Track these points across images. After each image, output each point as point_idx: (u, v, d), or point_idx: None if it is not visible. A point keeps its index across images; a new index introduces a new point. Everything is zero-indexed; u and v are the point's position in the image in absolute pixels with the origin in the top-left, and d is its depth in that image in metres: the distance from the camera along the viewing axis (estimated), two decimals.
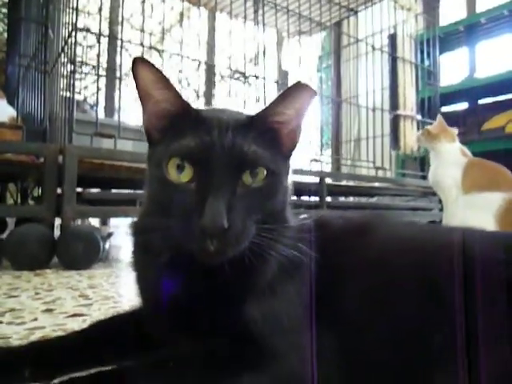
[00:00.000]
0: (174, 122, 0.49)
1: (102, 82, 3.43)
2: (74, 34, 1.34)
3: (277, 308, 0.50)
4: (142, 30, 1.88)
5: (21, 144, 1.35)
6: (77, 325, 0.75)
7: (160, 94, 0.49)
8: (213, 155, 0.44)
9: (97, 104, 1.60)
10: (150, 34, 2.76)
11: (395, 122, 2.49)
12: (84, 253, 1.35)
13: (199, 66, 3.21)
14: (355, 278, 0.53)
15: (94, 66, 3.02)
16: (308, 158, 2.12)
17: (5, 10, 3.02)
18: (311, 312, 0.51)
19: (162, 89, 0.48)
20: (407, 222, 0.65)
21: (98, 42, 1.42)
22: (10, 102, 1.75)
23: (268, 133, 0.50)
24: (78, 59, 2.40)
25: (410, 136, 2.48)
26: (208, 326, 0.48)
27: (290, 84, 0.50)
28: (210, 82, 3.88)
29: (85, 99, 3.53)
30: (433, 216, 2.63)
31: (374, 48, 2.40)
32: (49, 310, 0.85)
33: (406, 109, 2.49)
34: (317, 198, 2.09)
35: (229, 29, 2.82)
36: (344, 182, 2.37)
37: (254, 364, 0.46)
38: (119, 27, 1.86)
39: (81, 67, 2.64)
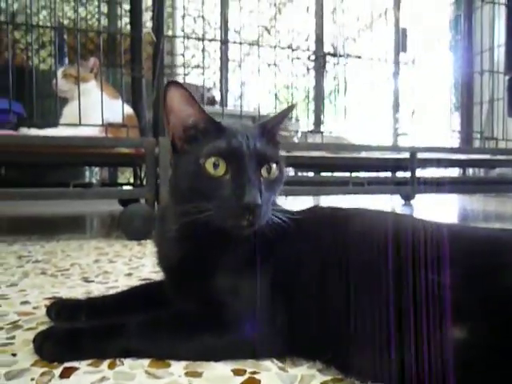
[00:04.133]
0: (201, 132, 0.62)
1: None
2: (162, 40, 1.58)
3: (247, 282, 0.61)
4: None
5: (126, 139, 1.66)
6: None
7: (188, 111, 0.62)
8: (243, 154, 0.59)
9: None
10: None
11: None
12: None
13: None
14: (315, 260, 0.61)
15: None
16: (395, 133, 2.03)
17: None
18: (275, 291, 0.61)
19: (189, 105, 0.61)
20: (390, 216, 0.67)
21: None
22: None
23: (271, 138, 0.66)
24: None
25: None
26: (194, 292, 0.62)
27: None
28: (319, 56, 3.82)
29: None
30: None
31: (483, 0, 2.09)
32: (129, 274, 1.10)
33: None
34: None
35: None
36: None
37: (215, 328, 0.59)
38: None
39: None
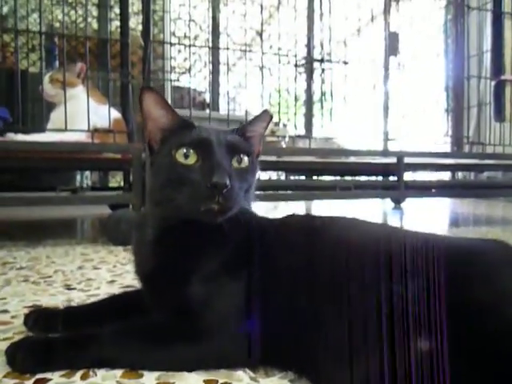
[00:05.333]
0: (174, 132, 0.65)
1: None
2: (149, 45, 1.58)
3: (220, 291, 0.61)
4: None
5: (113, 145, 1.66)
6: None
7: (163, 114, 0.65)
8: (212, 143, 0.61)
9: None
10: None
11: (499, 89, 2.18)
12: None
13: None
14: (288, 269, 0.61)
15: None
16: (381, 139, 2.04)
17: None
18: (248, 300, 0.61)
19: (163, 109, 0.65)
20: (368, 225, 0.68)
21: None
22: None
23: (246, 139, 0.68)
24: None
25: None
26: (169, 300, 0.62)
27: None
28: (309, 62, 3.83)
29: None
30: None
31: (469, 7, 2.11)
32: (112, 282, 1.10)
33: None
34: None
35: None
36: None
37: (188, 337, 0.59)
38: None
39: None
